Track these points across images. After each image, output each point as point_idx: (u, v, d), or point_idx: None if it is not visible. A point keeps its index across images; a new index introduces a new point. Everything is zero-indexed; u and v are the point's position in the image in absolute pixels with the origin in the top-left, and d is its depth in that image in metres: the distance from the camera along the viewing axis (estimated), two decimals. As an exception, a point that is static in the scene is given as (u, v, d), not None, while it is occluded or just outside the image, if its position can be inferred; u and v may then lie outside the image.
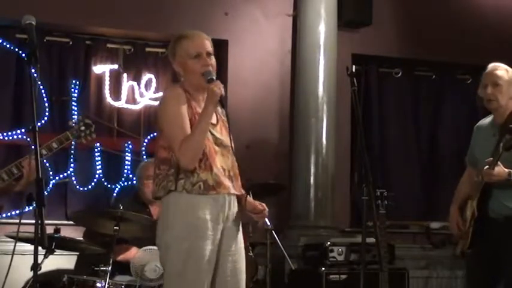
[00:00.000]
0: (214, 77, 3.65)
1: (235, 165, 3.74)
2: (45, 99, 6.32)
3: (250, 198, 3.85)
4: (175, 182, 3.59)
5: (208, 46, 3.74)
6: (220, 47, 6.87)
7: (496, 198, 4.45)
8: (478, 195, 4.49)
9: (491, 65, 4.67)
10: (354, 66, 7.21)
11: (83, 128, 4.59)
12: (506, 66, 4.65)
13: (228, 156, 3.69)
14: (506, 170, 4.35)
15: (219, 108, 3.76)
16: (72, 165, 6.39)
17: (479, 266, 4.56)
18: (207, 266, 3.57)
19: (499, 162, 4.35)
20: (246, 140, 6.73)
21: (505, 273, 4.49)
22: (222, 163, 3.66)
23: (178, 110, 3.62)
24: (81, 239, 5.73)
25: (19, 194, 6.08)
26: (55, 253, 4.95)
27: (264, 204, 3.85)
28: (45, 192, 3.08)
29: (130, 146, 6.54)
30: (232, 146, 3.71)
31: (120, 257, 5.32)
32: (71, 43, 6.59)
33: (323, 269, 5.81)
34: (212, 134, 3.66)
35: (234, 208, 3.71)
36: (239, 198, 3.77)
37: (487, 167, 4.37)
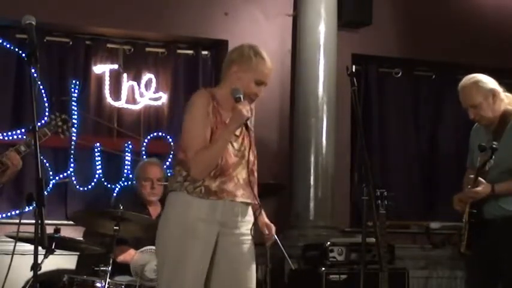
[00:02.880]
0: (241, 96, 3.63)
1: (251, 176, 3.73)
2: (45, 99, 6.31)
3: (263, 218, 3.82)
4: (182, 184, 3.64)
5: (269, 78, 3.78)
6: (220, 47, 6.86)
7: (490, 200, 4.44)
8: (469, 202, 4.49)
9: (460, 86, 4.57)
10: (354, 66, 7.20)
11: (60, 123, 4.63)
12: (474, 78, 4.52)
13: (246, 166, 3.67)
14: (489, 185, 4.36)
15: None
16: (72, 165, 6.38)
17: (478, 267, 4.55)
18: (195, 265, 3.58)
19: (480, 179, 4.35)
20: (246, 140, 6.72)
21: (504, 274, 4.49)
22: (238, 173, 3.67)
23: (201, 117, 3.63)
24: (81, 239, 5.74)
25: (19, 192, 6.15)
26: (55, 253, 4.95)
27: (271, 229, 3.81)
28: (45, 192, 3.08)
29: (130, 146, 6.53)
30: (251, 159, 3.71)
31: (120, 259, 5.32)
32: (71, 43, 6.59)
33: (323, 269, 5.80)
34: (232, 146, 3.67)
35: (240, 216, 3.70)
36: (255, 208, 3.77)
37: (469, 186, 4.38)
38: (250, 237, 3.74)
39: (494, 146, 4.32)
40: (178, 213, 3.63)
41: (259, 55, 3.75)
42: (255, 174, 3.80)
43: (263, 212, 3.82)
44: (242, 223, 3.71)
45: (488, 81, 4.53)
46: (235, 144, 3.69)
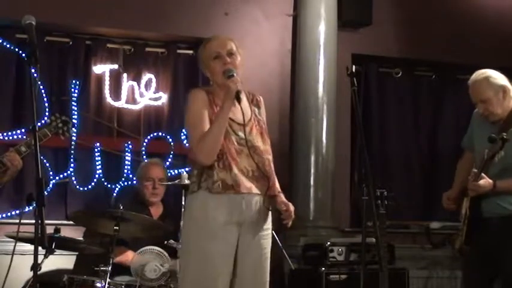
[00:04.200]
0: (234, 74, 3.68)
1: (265, 165, 3.74)
2: (45, 99, 6.32)
3: (280, 197, 3.84)
4: (199, 184, 3.66)
5: (230, 46, 3.78)
6: (220, 47, 6.86)
7: (489, 197, 4.44)
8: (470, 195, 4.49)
9: (470, 81, 4.58)
10: (354, 66, 7.17)
11: (60, 124, 4.63)
12: (485, 74, 4.54)
13: (255, 157, 3.69)
14: (491, 181, 4.36)
15: (256, 109, 3.83)
16: (72, 165, 6.38)
17: (476, 265, 4.56)
18: (215, 266, 3.59)
19: (482, 174, 4.35)
20: (246, 140, 6.72)
21: (502, 272, 4.49)
22: (246, 163, 3.68)
23: (197, 111, 3.68)
24: (81, 239, 5.74)
25: (19, 192, 6.16)
26: (55, 253, 4.95)
27: (289, 205, 3.83)
28: (45, 192, 3.08)
29: (130, 146, 6.54)
30: (260, 146, 3.72)
31: (116, 260, 5.31)
32: (71, 43, 6.58)
33: (323, 269, 5.81)
34: (236, 135, 3.68)
35: (256, 209, 3.70)
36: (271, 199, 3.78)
37: (471, 180, 4.38)
38: (268, 231, 3.77)
39: (504, 136, 4.30)
40: (197, 214, 3.64)
41: (205, 41, 3.85)
42: (271, 164, 3.80)
43: (282, 195, 3.84)
44: (260, 218, 3.72)
45: (499, 77, 4.54)
46: (240, 133, 3.70)
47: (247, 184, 3.66)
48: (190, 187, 3.72)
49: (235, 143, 3.67)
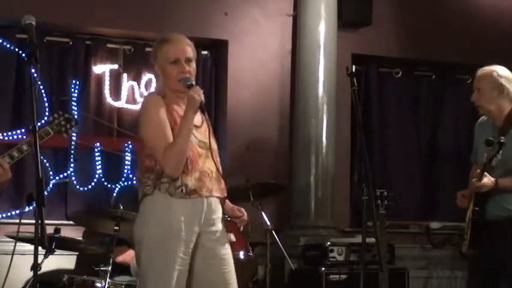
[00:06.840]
0: (193, 83, 3.65)
1: (218, 167, 3.73)
2: (45, 99, 6.32)
3: (228, 203, 3.84)
4: (154, 186, 3.59)
5: (189, 52, 3.75)
6: (220, 47, 6.87)
7: (493, 200, 4.43)
8: (473, 198, 4.48)
9: (481, 69, 4.62)
10: (354, 66, 7.20)
11: (63, 122, 4.57)
12: (495, 68, 4.55)
13: (212, 159, 3.68)
14: (493, 179, 4.36)
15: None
16: (72, 165, 6.38)
17: (480, 267, 4.54)
18: (178, 267, 3.56)
19: (485, 173, 4.35)
20: (246, 140, 6.73)
21: (506, 274, 4.48)
22: (207, 165, 3.67)
23: (158, 118, 3.62)
24: (81, 239, 5.74)
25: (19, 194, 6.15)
26: (55, 253, 4.95)
27: (242, 210, 3.85)
28: (45, 192, 3.07)
29: (130, 146, 6.54)
30: (215, 148, 3.71)
31: (119, 259, 5.32)
32: (71, 43, 6.58)
33: (323, 269, 5.81)
34: (195, 137, 3.66)
35: (217, 211, 3.70)
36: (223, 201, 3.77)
37: (475, 179, 4.38)
38: (226, 233, 3.76)
39: (502, 140, 4.29)
40: (159, 215, 3.59)
41: (163, 41, 3.78)
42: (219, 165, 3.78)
43: (227, 201, 3.83)
44: (218, 219, 3.71)
45: (505, 77, 4.53)
46: (197, 135, 3.68)
47: (209, 186, 3.64)
48: (145, 189, 3.61)
49: (196, 146, 3.66)
